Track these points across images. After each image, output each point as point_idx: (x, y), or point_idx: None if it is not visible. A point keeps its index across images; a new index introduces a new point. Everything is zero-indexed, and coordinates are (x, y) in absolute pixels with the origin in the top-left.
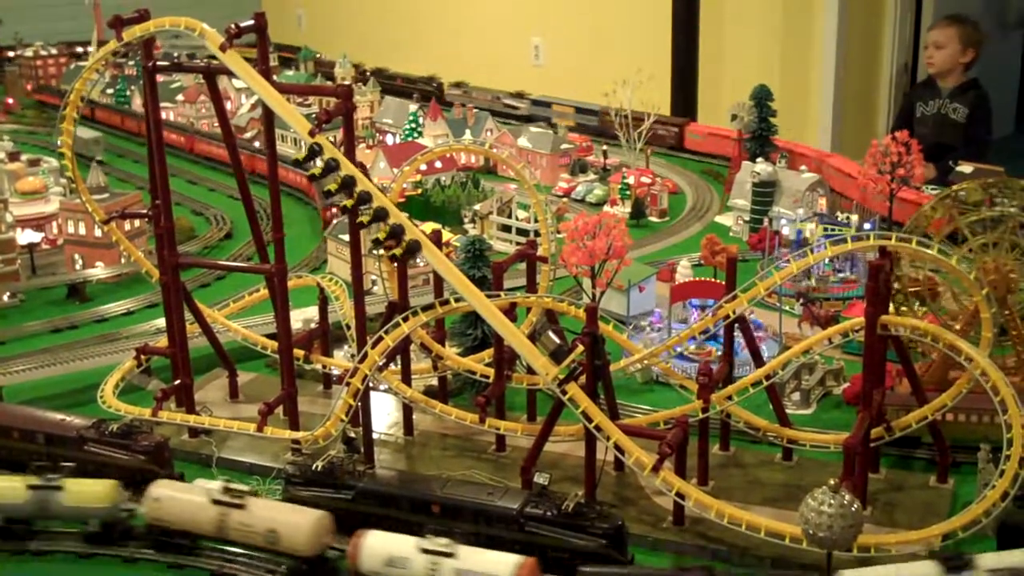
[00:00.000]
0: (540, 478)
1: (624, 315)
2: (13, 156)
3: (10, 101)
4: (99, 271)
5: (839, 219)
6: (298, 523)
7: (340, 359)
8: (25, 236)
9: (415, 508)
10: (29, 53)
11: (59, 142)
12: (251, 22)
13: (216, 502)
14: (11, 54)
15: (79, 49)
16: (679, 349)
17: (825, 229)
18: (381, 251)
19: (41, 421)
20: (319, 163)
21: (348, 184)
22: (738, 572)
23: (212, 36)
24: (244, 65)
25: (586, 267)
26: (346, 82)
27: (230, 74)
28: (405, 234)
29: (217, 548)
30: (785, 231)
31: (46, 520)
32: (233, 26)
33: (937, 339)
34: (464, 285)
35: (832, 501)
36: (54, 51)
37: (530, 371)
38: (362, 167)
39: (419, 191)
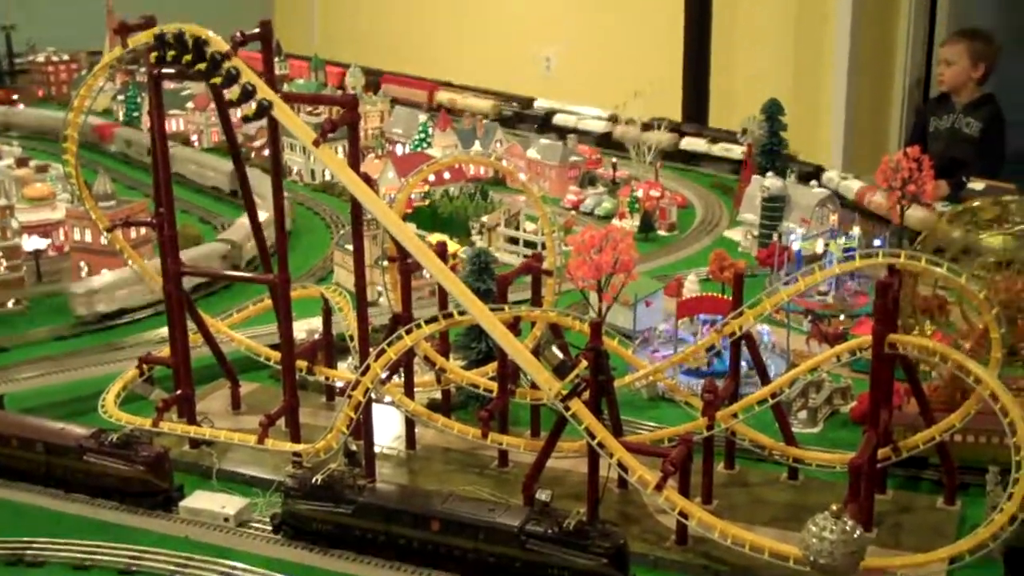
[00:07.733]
0: (542, 495)
1: (630, 330)
2: (21, 162)
3: (20, 107)
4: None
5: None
6: None
7: (343, 371)
8: (31, 242)
9: (415, 524)
10: (40, 59)
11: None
12: (257, 30)
13: None
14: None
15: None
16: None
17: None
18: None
19: (40, 430)
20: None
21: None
22: None
23: (217, 43)
24: (249, 72)
25: (592, 281)
26: (354, 91)
27: None
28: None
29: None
30: (795, 246)
31: None
32: (239, 33)
33: (945, 359)
34: (467, 297)
35: (834, 527)
36: (66, 57)
37: (534, 386)
38: (368, 179)
39: (427, 202)
